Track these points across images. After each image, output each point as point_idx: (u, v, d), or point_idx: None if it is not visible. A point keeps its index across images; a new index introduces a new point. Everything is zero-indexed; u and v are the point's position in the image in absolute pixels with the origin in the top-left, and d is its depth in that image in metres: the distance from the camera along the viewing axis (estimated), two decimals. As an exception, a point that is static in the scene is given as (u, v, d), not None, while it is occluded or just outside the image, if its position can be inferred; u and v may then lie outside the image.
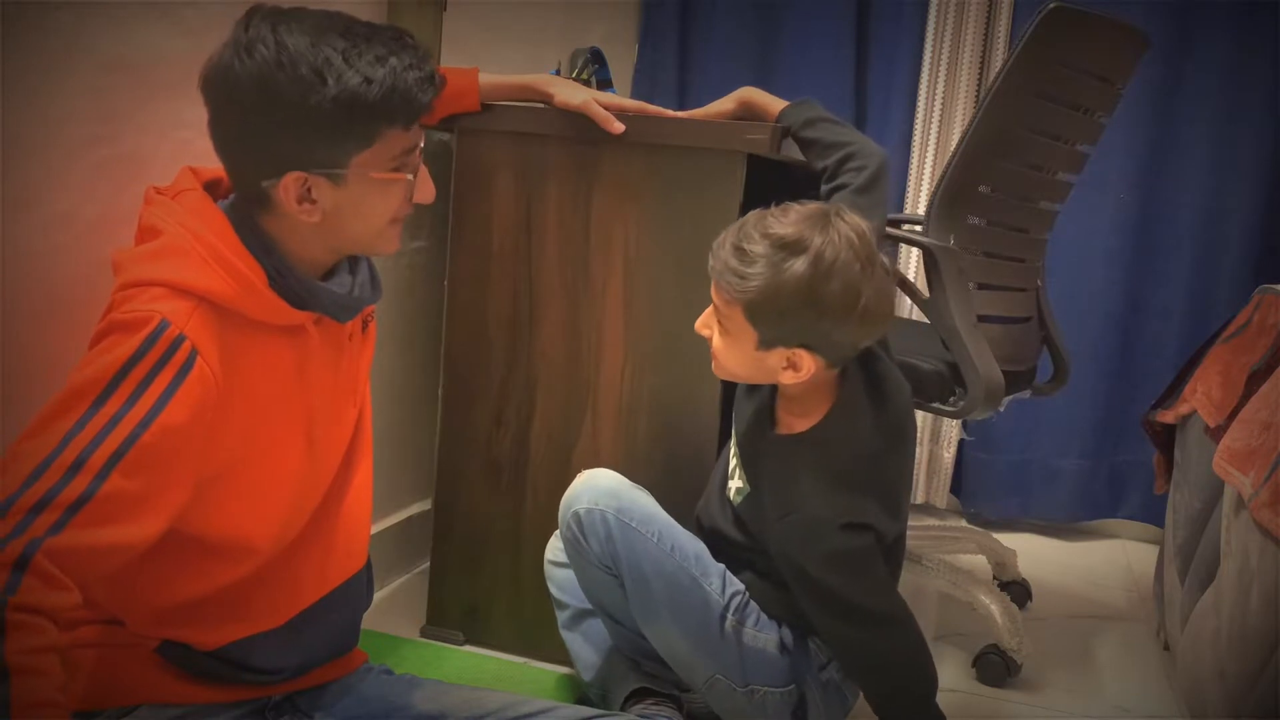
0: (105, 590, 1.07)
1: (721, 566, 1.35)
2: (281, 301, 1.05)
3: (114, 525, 0.90)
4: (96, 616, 1.10)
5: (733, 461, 1.36)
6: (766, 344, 1.22)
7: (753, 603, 1.34)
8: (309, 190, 1.04)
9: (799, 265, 1.16)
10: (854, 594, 1.24)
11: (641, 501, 1.35)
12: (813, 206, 1.22)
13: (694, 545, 1.34)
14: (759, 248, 1.18)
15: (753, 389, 1.35)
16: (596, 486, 1.35)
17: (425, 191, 1.13)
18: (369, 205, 1.07)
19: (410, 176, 1.09)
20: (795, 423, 1.29)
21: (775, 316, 1.19)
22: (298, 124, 1.00)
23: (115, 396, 0.92)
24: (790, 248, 1.17)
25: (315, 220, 1.05)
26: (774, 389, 1.33)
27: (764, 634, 1.32)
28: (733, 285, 1.20)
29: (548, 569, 1.51)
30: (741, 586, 1.34)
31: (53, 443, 0.89)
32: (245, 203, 1.06)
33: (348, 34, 1.01)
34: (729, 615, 1.31)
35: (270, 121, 1.00)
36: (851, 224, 1.19)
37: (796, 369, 1.22)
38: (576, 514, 1.34)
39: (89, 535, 0.88)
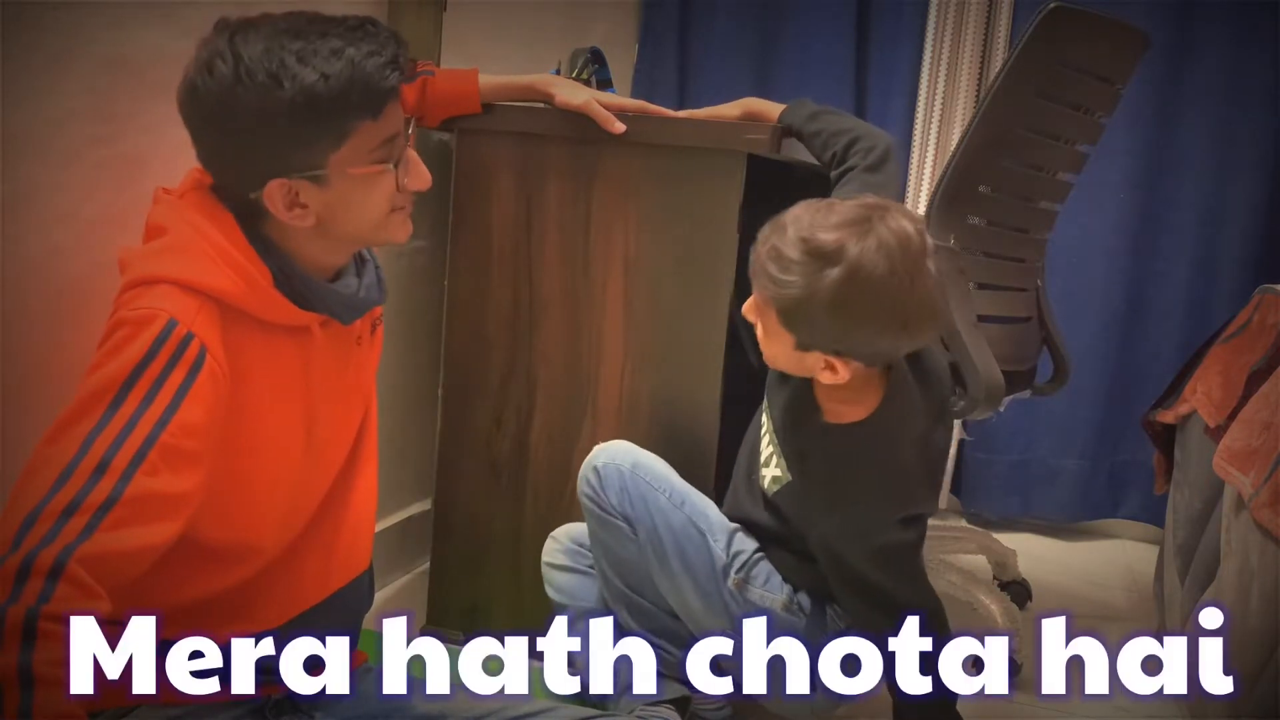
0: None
1: (734, 526, 1.36)
2: (286, 301, 1.05)
3: (141, 526, 0.90)
4: (96, 617, 1.10)
5: (766, 450, 1.34)
6: (803, 347, 1.20)
7: (764, 564, 1.34)
8: (296, 195, 1.03)
9: (833, 276, 1.12)
10: (896, 589, 1.23)
11: (656, 463, 1.40)
12: (856, 207, 1.15)
13: (705, 503, 1.37)
14: (795, 253, 1.14)
15: (786, 374, 1.32)
16: (614, 448, 1.41)
17: (418, 177, 1.11)
18: (359, 201, 1.06)
19: (392, 167, 1.07)
20: (845, 411, 1.25)
21: (809, 325, 1.17)
22: (265, 132, 0.99)
23: (131, 398, 0.92)
24: (826, 258, 1.12)
25: (309, 224, 1.05)
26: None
27: (771, 594, 1.33)
28: (767, 289, 1.17)
29: (546, 572, 1.51)
30: (753, 547, 1.35)
31: (74, 447, 0.89)
32: (242, 212, 1.06)
33: (303, 32, 0.99)
34: (732, 573, 1.33)
35: (240, 134, 1.00)
36: (895, 229, 1.13)
37: (835, 371, 1.19)
38: (595, 468, 1.39)
39: (118, 539, 0.88)
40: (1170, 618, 1.72)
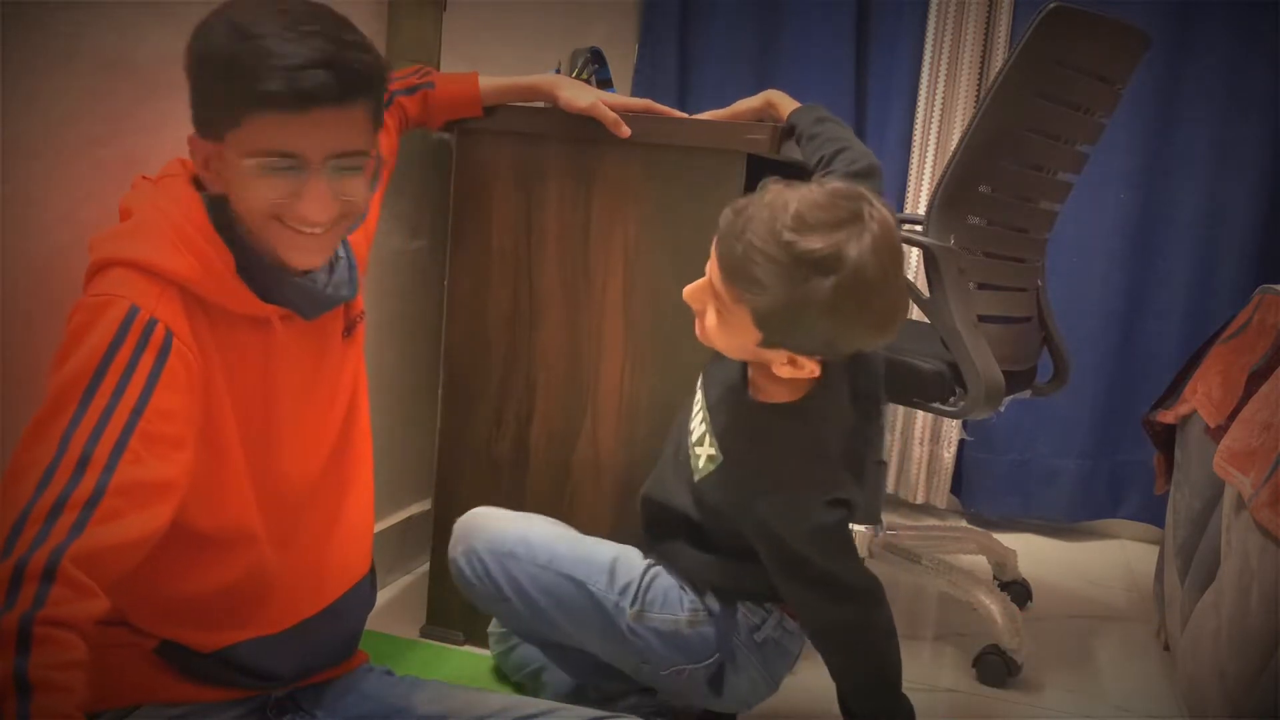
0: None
1: (613, 555, 1.34)
2: (246, 290, 1.04)
3: (131, 516, 0.90)
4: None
5: (700, 428, 1.30)
6: (770, 345, 1.16)
7: (658, 582, 1.32)
8: (207, 160, 1.04)
9: (826, 284, 1.07)
10: (836, 568, 1.23)
11: (511, 527, 1.37)
12: (840, 199, 1.10)
13: (575, 550, 1.34)
14: (782, 256, 1.08)
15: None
16: (468, 527, 1.39)
17: (296, 211, 1.02)
18: (240, 188, 1.02)
19: (264, 172, 1.00)
20: (775, 391, 1.24)
21: (788, 328, 1.13)
22: (192, 75, 1.01)
23: (103, 389, 0.91)
24: (817, 265, 1.07)
25: (218, 189, 1.04)
26: None
27: (671, 614, 1.30)
28: (745, 289, 1.12)
29: (496, 657, 1.54)
30: (640, 568, 1.33)
31: (53, 445, 0.89)
32: (212, 194, 1.05)
33: (297, 15, 0.98)
34: (627, 608, 1.30)
35: (188, 72, 1.02)
36: (880, 220, 1.10)
37: (797, 366, 1.18)
38: (454, 560, 1.38)
39: (110, 532, 0.87)
40: (1170, 618, 1.72)
